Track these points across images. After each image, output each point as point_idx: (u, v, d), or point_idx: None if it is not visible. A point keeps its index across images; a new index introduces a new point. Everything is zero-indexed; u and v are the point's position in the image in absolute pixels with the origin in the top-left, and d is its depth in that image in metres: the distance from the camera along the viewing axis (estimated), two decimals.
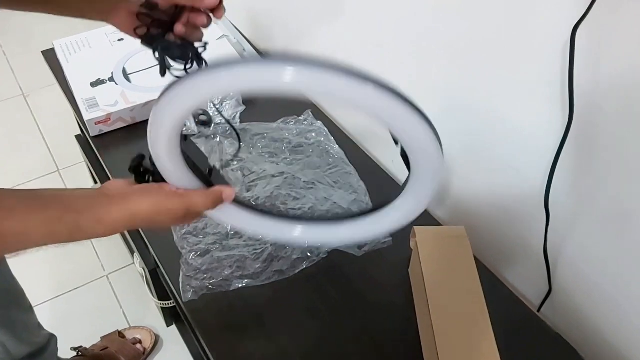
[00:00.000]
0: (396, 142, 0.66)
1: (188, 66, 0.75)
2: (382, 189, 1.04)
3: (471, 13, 0.82)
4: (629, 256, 0.75)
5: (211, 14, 0.76)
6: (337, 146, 1.11)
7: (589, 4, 0.63)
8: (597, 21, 0.65)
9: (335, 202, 0.99)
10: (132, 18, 0.76)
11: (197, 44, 0.76)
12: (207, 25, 0.76)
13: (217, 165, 1.06)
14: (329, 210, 0.97)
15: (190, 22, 0.75)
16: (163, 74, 0.75)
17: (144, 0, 0.74)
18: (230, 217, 0.70)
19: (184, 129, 1.13)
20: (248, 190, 1.01)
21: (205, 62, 0.75)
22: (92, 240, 1.45)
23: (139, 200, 0.61)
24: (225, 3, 1.51)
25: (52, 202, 0.57)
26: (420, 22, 0.93)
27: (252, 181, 1.03)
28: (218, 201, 0.65)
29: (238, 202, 0.70)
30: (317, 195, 1.00)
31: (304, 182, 1.03)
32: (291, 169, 1.05)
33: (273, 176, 1.04)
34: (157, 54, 0.75)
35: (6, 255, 0.58)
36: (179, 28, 0.74)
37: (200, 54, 0.75)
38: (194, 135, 1.13)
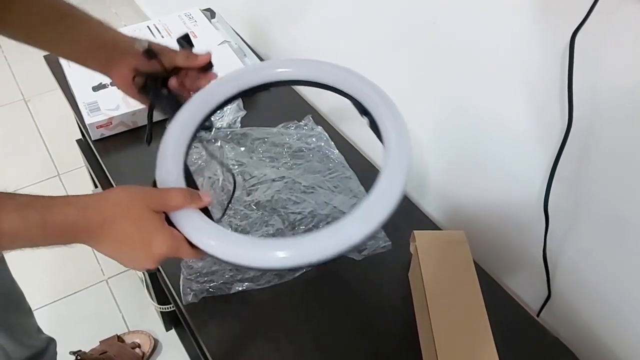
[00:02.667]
0: (364, 114, 0.76)
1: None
2: None
3: (471, 17, 0.83)
4: (628, 261, 0.76)
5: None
6: (337, 151, 1.11)
7: (587, 9, 0.64)
8: (596, 27, 0.66)
9: (335, 207, 0.99)
10: (130, 75, 0.78)
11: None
12: (201, 85, 0.80)
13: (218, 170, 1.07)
14: (329, 215, 0.98)
15: (185, 80, 0.81)
16: (149, 116, 0.82)
17: (145, 49, 0.78)
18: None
19: None
20: (248, 194, 1.02)
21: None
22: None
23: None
24: (227, 9, 1.53)
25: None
26: (418, 28, 0.93)
27: (253, 185, 1.04)
28: (195, 197, 0.64)
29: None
30: (318, 199, 1.00)
31: (304, 186, 1.03)
32: (291, 174, 1.05)
33: (273, 180, 1.04)
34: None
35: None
36: (173, 82, 0.79)
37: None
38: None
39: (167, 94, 0.79)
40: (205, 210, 0.65)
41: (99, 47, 0.78)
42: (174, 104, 0.78)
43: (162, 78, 0.79)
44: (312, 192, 1.02)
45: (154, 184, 0.67)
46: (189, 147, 0.72)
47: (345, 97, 0.78)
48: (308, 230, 0.95)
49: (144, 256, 0.62)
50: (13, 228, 0.56)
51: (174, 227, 0.63)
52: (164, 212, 0.63)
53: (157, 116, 0.80)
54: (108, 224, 0.59)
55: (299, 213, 0.98)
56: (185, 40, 0.84)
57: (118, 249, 0.62)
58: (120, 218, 0.60)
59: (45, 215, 0.57)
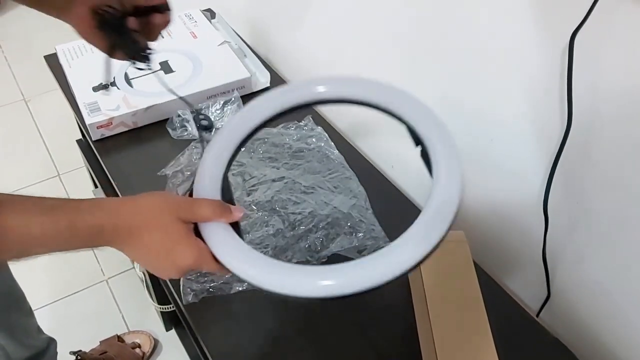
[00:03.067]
0: (417, 144, 0.71)
1: (136, 64, 0.80)
2: (382, 194, 1.05)
3: (470, 16, 0.83)
4: (628, 261, 0.76)
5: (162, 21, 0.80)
6: (337, 151, 1.12)
7: (587, 10, 0.64)
8: (596, 27, 0.66)
9: (335, 207, 0.99)
10: (89, 15, 0.75)
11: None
12: (161, 26, 0.80)
13: None
14: (329, 215, 0.98)
15: (145, 24, 0.78)
16: (110, 55, 0.80)
17: None
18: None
19: (186, 133, 1.14)
20: (248, 195, 1.02)
21: (148, 63, 0.80)
22: None
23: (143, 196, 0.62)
24: (227, 10, 1.53)
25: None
26: (417, 27, 0.93)
27: (253, 186, 1.04)
28: (225, 210, 0.63)
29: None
30: (317, 199, 1.00)
31: (304, 186, 1.03)
32: (291, 174, 1.05)
33: (273, 181, 1.04)
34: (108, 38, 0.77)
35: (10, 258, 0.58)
36: (132, 22, 0.76)
37: (147, 54, 0.79)
38: (195, 139, 1.13)
39: (128, 33, 0.77)
40: (236, 226, 0.63)
41: None
42: (134, 45, 0.78)
43: (122, 15, 0.76)
44: (312, 192, 1.02)
45: (190, 194, 0.66)
46: (230, 162, 0.70)
47: (399, 122, 0.73)
48: (308, 230, 0.95)
49: (168, 266, 0.61)
50: (44, 232, 0.55)
51: (202, 240, 0.61)
52: (194, 223, 0.62)
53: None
54: (136, 230, 0.59)
55: (299, 213, 0.98)
56: None
57: (145, 255, 0.61)
58: (149, 225, 0.59)
59: (74, 219, 0.57)
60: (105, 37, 0.77)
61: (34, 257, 0.58)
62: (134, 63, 0.80)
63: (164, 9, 0.80)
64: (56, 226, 0.56)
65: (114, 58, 0.80)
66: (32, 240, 0.55)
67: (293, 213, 0.98)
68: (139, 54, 0.79)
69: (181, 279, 0.90)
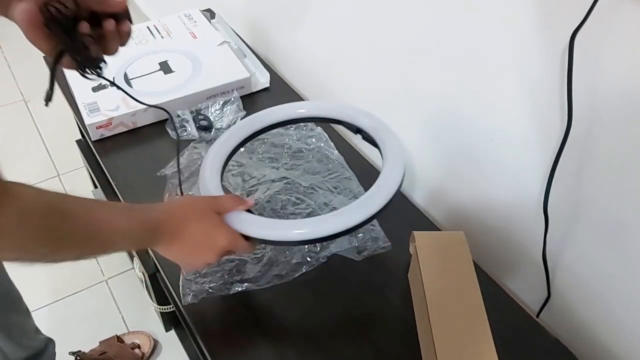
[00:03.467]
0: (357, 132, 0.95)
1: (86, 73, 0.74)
2: None
3: (470, 18, 0.83)
4: (628, 262, 0.76)
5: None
6: (336, 151, 1.11)
7: (587, 10, 0.64)
8: (596, 27, 0.66)
9: (335, 208, 0.99)
10: (37, 11, 0.67)
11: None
12: (117, 37, 0.74)
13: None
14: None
15: (98, 30, 0.72)
16: (54, 63, 0.72)
17: None
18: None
19: (186, 134, 1.14)
20: (248, 195, 1.02)
21: (99, 73, 0.74)
22: None
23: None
24: (226, 10, 1.53)
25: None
26: (418, 29, 0.93)
27: (252, 186, 1.04)
28: (242, 201, 0.80)
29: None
30: (317, 200, 1.00)
31: (304, 187, 1.03)
32: (291, 174, 1.05)
33: (273, 181, 1.04)
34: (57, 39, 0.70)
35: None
36: (85, 27, 0.70)
37: (97, 64, 0.73)
38: (194, 140, 1.13)
39: (78, 38, 0.69)
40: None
41: None
42: (85, 51, 0.70)
43: (75, 17, 0.68)
44: (312, 193, 1.02)
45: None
46: (224, 170, 0.91)
47: (341, 124, 0.98)
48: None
49: (209, 250, 0.76)
50: (124, 226, 0.68)
51: None
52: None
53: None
54: (183, 225, 0.74)
55: (299, 214, 0.97)
56: None
57: (187, 247, 0.75)
58: (191, 220, 0.75)
59: (146, 215, 0.71)
60: (53, 38, 0.69)
61: (113, 251, 0.70)
62: (83, 72, 0.73)
63: (123, 17, 0.74)
64: (133, 221, 0.69)
65: (61, 65, 0.72)
66: (119, 232, 0.67)
67: (292, 214, 0.98)
68: (88, 63, 0.72)
69: (180, 280, 0.90)
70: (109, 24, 0.72)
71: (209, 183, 0.86)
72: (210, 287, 0.89)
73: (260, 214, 0.96)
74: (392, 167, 0.85)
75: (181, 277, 0.89)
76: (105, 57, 0.75)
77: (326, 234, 0.79)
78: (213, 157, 0.90)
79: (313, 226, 0.79)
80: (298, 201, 1.00)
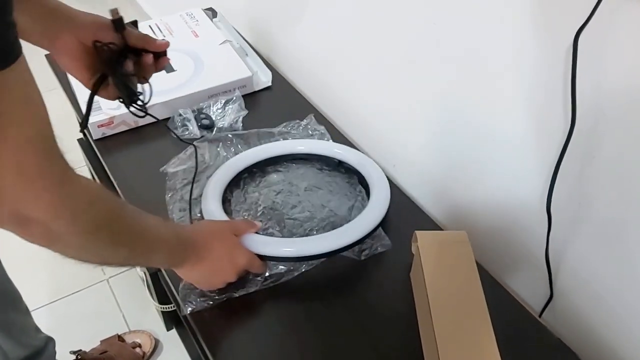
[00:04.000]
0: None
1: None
2: None
3: (473, 17, 0.83)
4: (631, 262, 0.76)
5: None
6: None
7: (591, 9, 0.64)
8: (600, 27, 0.66)
9: (331, 210, 0.98)
10: (80, 47, 0.73)
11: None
12: (153, 71, 0.82)
13: None
14: (325, 218, 0.97)
15: (141, 62, 0.80)
16: (131, 101, 0.82)
17: (116, 18, 0.74)
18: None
19: (187, 132, 1.14)
20: (245, 201, 1.01)
21: (142, 107, 0.84)
22: None
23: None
24: (228, 9, 1.53)
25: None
26: (419, 28, 0.93)
27: (253, 187, 1.04)
28: (253, 224, 0.90)
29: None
30: (315, 202, 1.00)
31: (303, 188, 1.03)
32: (291, 176, 1.05)
33: (272, 183, 1.04)
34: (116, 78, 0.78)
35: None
36: (129, 64, 0.77)
37: (137, 98, 0.82)
38: (196, 139, 1.13)
39: (123, 76, 0.77)
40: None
41: (46, 15, 0.72)
42: (125, 86, 0.77)
43: (122, 53, 0.75)
44: (310, 195, 1.01)
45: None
46: (224, 193, 1.01)
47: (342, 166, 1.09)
48: (305, 235, 0.95)
49: (230, 269, 0.83)
50: (164, 235, 0.72)
51: None
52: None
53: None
54: (209, 245, 0.80)
55: (296, 219, 0.97)
56: (135, 26, 0.81)
57: (211, 266, 0.81)
58: (214, 240, 0.82)
59: (179, 230, 0.78)
60: (93, 70, 0.75)
61: (154, 261, 0.76)
62: (127, 106, 0.82)
63: (161, 54, 0.81)
64: (170, 232, 0.74)
65: (99, 95, 0.79)
66: (160, 240, 0.71)
67: (290, 218, 0.97)
68: (129, 98, 0.80)
69: (180, 286, 0.89)
70: (148, 58, 0.80)
71: (212, 207, 0.96)
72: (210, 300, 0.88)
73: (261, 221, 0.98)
74: (380, 196, 0.98)
75: (180, 284, 0.89)
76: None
77: (324, 251, 0.90)
78: (214, 184, 1.00)
79: (314, 244, 0.91)
80: (296, 204, 1.00)
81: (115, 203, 0.66)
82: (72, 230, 0.58)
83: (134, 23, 0.82)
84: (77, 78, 0.77)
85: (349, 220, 0.94)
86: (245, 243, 0.87)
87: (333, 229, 0.95)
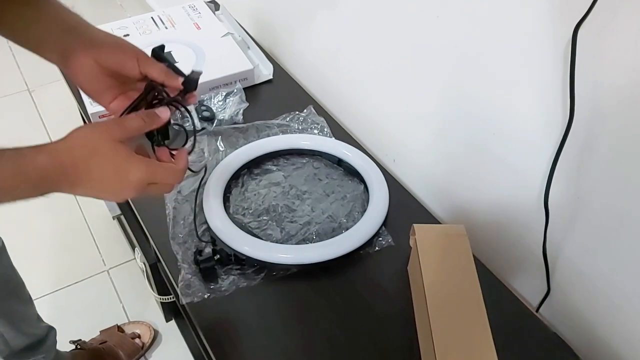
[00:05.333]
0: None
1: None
2: None
3: (473, 11, 0.83)
4: (628, 257, 0.76)
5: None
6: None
7: (590, 3, 0.64)
8: (599, 21, 0.65)
9: (330, 215, 0.98)
10: (96, 69, 0.67)
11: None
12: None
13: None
14: (320, 223, 0.97)
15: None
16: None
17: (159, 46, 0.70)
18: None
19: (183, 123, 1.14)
20: (245, 202, 1.01)
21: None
22: (94, 234, 1.47)
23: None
24: (231, 2, 1.52)
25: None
26: (421, 23, 0.93)
27: (255, 188, 1.04)
28: (153, 116, 0.66)
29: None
30: (314, 205, 1.00)
31: (302, 191, 1.03)
32: (289, 179, 1.05)
33: (272, 184, 1.04)
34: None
35: None
36: (165, 113, 0.68)
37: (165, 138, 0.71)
38: (199, 131, 1.13)
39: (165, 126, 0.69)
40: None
41: (65, 32, 0.68)
42: (165, 132, 0.70)
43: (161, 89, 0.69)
44: (309, 198, 1.01)
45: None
46: (228, 185, 1.01)
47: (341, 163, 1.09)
48: (304, 239, 0.95)
49: (122, 189, 0.63)
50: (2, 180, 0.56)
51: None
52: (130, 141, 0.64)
53: None
54: (81, 165, 0.60)
55: (295, 222, 0.98)
56: (161, 51, 0.73)
57: (96, 187, 0.62)
58: (91, 157, 0.60)
59: (18, 164, 0.57)
60: (111, 94, 0.70)
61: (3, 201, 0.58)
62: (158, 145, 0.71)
63: (190, 88, 0.72)
64: (1, 174, 0.56)
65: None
66: None
67: (290, 222, 0.97)
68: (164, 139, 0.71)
69: (180, 276, 0.90)
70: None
71: (210, 205, 0.95)
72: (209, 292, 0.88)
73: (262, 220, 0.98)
74: (378, 202, 0.98)
75: (180, 276, 0.89)
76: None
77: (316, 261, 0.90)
78: (216, 180, 0.99)
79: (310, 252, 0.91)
80: (295, 207, 1.00)
81: None
82: None
83: (161, 49, 0.74)
84: (93, 99, 0.71)
85: (347, 227, 0.95)
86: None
87: (332, 231, 0.95)
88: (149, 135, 0.69)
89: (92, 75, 0.68)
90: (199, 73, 0.71)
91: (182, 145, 0.72)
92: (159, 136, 0.69)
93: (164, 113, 0.67)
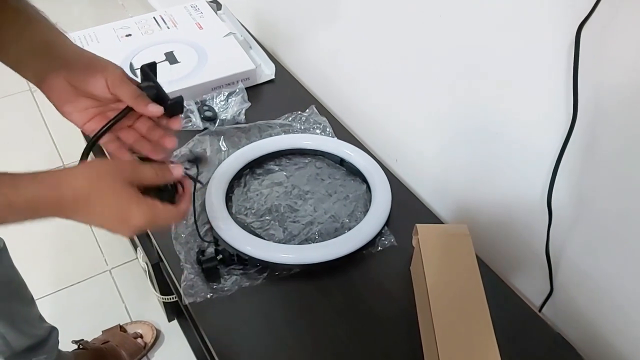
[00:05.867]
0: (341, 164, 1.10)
1: None
2: None
3: (476, 10, 0.83)
4: (631, 257, 0.75)
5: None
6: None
7: (593, 3, 0.64)
8: (602, 21, 0.65)
9: (333, 215, 0.98)
10: (68, 90, 0.66)
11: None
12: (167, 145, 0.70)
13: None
14: (322, 223, 0.97)
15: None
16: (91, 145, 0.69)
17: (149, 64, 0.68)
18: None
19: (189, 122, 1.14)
20: (248, 202, 1.01)
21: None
22: (96, 234, 1.46)
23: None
24: (233, 2, 1.52)
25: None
26: (424, 22, 0.93)
27: (257, 188, 1.04)
28: (166, 171, 0.65)
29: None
30: (317, 206, 1.00)
31: (304, 191, 1.03)
32: (292, 179, 1.05)
33: (274, 184, 1.04)
34: None
35: None
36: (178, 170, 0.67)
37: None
38: (199, 131, 1.13)
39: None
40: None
41: (39, 50, 0.66)
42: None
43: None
44: (311, 198, 1.01)
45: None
46: (230, 185, 1.02)
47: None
48: (307, 239, 0.95)
49: (124, 228, 0.62)
50: (4, 201, 0.55)
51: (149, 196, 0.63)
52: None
53: None
54: (82, 200, 0.59)
55: (297, 222, 0.97)
56: (151, 70, 0.70)
57: (97, 220, 0.61)
58: (98, 192, 0.59)
59: (10, 197, 0.56)
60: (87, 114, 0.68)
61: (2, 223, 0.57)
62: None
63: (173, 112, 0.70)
64: (16, 196, 0.55)
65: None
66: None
67: (293, 222, 0.97)
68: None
69: (182, 276, 0.90)
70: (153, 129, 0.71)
71: (211, 202, 0.96)
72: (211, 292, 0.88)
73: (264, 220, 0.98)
74: (381, 203, 0.98)
75: (182, 276, 0.89)
76: None
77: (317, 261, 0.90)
78: (217, 181, 1.00)
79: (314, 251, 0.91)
80: (297, 207, 1.00)
81: None
82: None
83: (151, 67, 0.70)
84: (68, 119, 0.69)
85: (350, 227, 0.95)
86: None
87: (334, 231, 0.95)
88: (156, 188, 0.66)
89: (64, 96, 0.67)
90: (182, 98, 0.70)
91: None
92: (166, 194, 0.66)
93: (176, 170, 0.66)
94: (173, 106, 0.68)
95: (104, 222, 0.61)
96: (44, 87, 0.67)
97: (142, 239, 1.22)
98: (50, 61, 0.66)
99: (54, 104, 0.68)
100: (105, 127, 0.67)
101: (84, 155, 0.68)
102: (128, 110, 0.67)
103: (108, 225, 0.61)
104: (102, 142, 0.70)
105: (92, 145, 0.68)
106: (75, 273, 1.54)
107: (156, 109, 0.66)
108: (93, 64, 0.67)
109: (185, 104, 1.15)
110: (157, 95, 0.67)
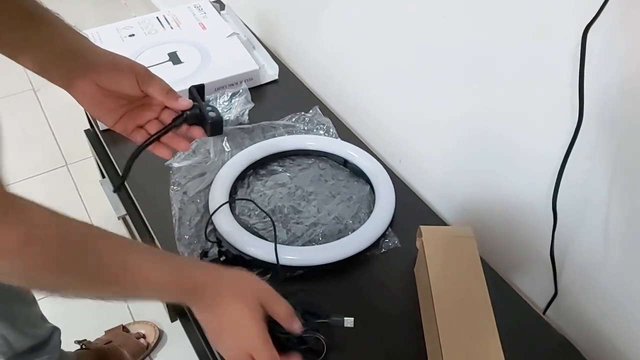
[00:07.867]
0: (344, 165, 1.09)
1: None
2: None
3: (481, 11, 0.82)
4: (635, 259, 0.75)
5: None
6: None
7: (600, 4, 0.63)
8: (609, 22, 0.65)
9: (336, 216, 0.98)
10: (98, 92, 0.68)
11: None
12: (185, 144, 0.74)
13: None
14: (326, 224, 0.97)
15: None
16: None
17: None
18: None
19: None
20: (252, 202, 1.01)
21: None
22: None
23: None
24: (236, 2, 1.52)
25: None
26: (428, 22, 0.93)
27: (260, 188, 1.04)
28: (294, 320, 0.69)
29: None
30: (320, 207, 1.00)
31: (307, 192, 1.02)
32: (295, 180, 1.05)
33: (278, 185, 1.04)
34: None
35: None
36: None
37: None
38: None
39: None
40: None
41: (64, 54, 0.67)
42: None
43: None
44: (315, 199, 1.01)
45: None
46: (234, 186, 1.01)
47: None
48: (310, 240, 0.95)
49: (232, 339, 0.65)
50: (155, 278, 0.60)
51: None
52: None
53: None
54: (221, 297, 0.64)
55: (301, 223, 0.97)
56: (198, 92, 0.75)
57: (217, 321, 0.65)
58: (235, 295, 0.64)
59: (182, 273, 0.62)
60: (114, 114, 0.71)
61: (136, 298, 0.66)
62: None
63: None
64: (166, 274, 0.61)
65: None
66: (147, 283, 0.60)
67: (296, 223, 0.97)
68: None
69: None
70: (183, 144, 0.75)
71: (215, 200, 0.95)
72: None
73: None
74: (385, 204, 0.97)
75: None
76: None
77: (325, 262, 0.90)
78: (221, 183, 0.99)
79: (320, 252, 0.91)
80: (301, 209, 1.00)
81: (82, 237, 0.57)
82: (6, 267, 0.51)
83: (199, 89, 0.75)
84: (99, 120, 0.72)
85: (354, 229, 0.95)
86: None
87: (338, 233, 0.95)
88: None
89: (94, 98, 0.68)
90: (221, 119, 0.74)
91: None
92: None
93: (296, 324, 0.69)
94: (213, 125, 0.72)
95: (223, 324, 0.65)
96: (73, 91, 0.68)
97: (145, 240, 1.22)
98: (76, 65, 0.67)
99: (84, 107, 0.71)
100: (155, 136, 0.72)
101: (131, 160, 0.73)
102: (182, 121, 0.71)
103: (221, 332, 0.66)
104: (129, 132, 0.73)
105: (140, 152, 0.73)
106: None
107: (186, 102, 0.70)
108: (119, 64, 0.69)
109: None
110: (200, 115, 0.72)
